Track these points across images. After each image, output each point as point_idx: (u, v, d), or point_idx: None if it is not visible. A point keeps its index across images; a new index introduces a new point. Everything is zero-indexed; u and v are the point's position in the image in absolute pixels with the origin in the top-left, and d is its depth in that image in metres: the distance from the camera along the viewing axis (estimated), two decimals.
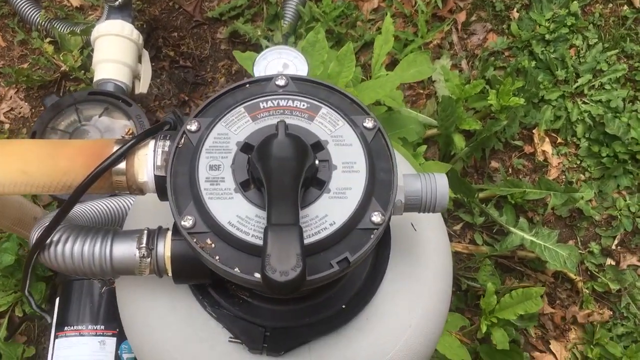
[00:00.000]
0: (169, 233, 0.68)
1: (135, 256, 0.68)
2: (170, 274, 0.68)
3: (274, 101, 0.65)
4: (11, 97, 1.64)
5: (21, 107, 1.62)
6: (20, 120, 1.62)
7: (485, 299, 1.27)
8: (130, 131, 0.70)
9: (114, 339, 1.14)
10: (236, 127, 0.64)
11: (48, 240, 0.69)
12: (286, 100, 0.65)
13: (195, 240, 0.60)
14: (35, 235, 0.73)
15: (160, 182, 0.65)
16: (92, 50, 1.35)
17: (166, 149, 0.66)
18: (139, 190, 0.68)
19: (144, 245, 0.68)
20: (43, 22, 1.66)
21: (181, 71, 1.68)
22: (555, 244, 1.37)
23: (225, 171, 0.61)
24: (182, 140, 0.64)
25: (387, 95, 1.04)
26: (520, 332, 1.40)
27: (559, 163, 1.59)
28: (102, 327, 1.14)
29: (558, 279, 1.48)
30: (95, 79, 1.31)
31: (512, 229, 1.41)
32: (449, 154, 1.48)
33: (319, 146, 0.63)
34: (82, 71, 1.53)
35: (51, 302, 1.39)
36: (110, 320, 1.14)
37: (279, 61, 0.74)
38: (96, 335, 1.13)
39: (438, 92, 1.59)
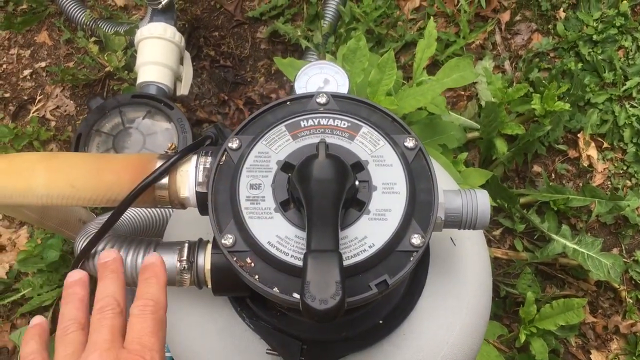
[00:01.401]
0: (209, 246, 0.69)
1: (176, 268, 0.69)
2: (210, 286, 0.69)
3: (314, 120, 0.65)
4: (57, 95, 1.68)
5: (66, 105, 1.66)
6: (66, 118, 1.66)
7: (525, 308, 1.25)
8: (173, 146, 0.71)
9: None
10: (277, 146, 0.64)
11: (92, 251, 0.71)
12: (327, 119, 0.65)
13: (235, 259, 0.60)
14: (80, 244, 0.75)
15: (201, 198, 0.66)
16: (136, 52, 1.37)
17: (208, 165, 0.66)
18: (181, 204, 0.69)
19: (184, 258, 0.69)
20: (88, 22, 1.69)
21: (221, 70, 1.69)
22: (599, 252, 1.34)
23: (266, 190, 0.62)
24: (224, 158, 0.65)
25: (429, 102, 1.03)
26: (560, 341, 1.38)
27: (604, 169, 1.54)
28: None
29: (601, 287, 1.44)
30: (138, 81, 1.33)
31: (553, 236, 1.38)
32: (490, 158, 1.46)
33: (359, 166, 0.63)
34: (126, 71, 1.56)
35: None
36: None
37: (320, 76, 0.74)
38: None
39: (480, 94, 1.56)
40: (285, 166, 0.63)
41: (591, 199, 1.38)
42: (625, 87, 1.61)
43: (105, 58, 1.57)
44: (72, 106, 1.67)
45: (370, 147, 0.64)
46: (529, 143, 1.43)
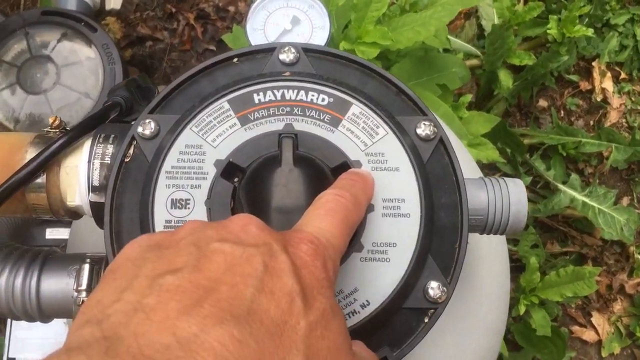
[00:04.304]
0: None
1: (71, 299, 0.48)
2: None
3: (276, 92, 0.41)
4: None
5: None
6: None
7: (527, 275, 1.07)
8: (57, 121, 0.46)
9: None
10: (215, 135, 0.40)
11: None
12: (296, 91, 0.41)
13: None
14: None
15: (99, 211, 0.42)
16: None
17: (107, 159, 0.42)
18: (70, 214, 0.46)
19: (83, 287, 0.47)
20: None
21: None
22: (612, 207, 1.15)
23: (197, 210, 0.39)
24: (131, 151, 0.41)
25: (431, 35, 0.78)
26: (559, 303, 1.22)
27: (620, 104, 1.32)
28: None
29: (607, 242, 1.27)
30: None
31: (560, 186, 1.18)
32: (491, 91, 1.22)
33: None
34: None
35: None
36: None
37: (285, 12, 0.48)
38: None
39: (480, 12, 1.30)
40: (229, 170, 0.39)
41: (608, 144, 1.17)
42: None
43: None
44: None
45: (364, 137, 0.40)
46: (538, 75, 1.20)
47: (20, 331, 0.96)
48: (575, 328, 1.23)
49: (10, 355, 0.97)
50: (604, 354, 1.22)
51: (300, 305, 0.27)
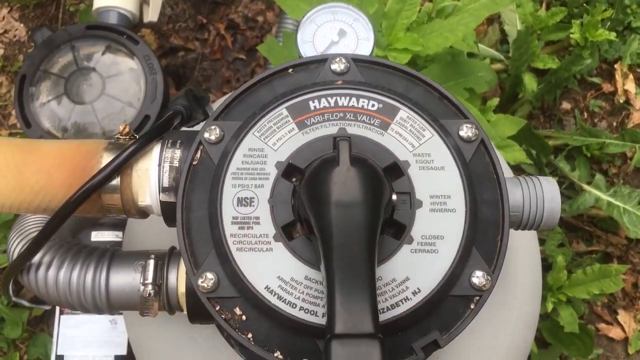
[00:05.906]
0: None
1: (138, 292, 0.52)
2: (185, 312, 0.52)
3: (330, 99, 0.45)
4: (4, 17, 1.41)
5: (16, 30, 1.40)
6: (16, 45, 1.41)
7: (554, 273, 1.09)
8: (126, 129, 0.50)
9: None
10: (276, 139, 0.44)
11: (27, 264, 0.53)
12: (348, 98, 0.45)
13: (218, 308, 0.42)
14: (14, 246, 0.57)
15: (168, 209, 0.46)
16: None
17: (176, 163, 0.46)
18: (140, 213, 0.50)
19: (149, 281, 0.51)
20: None
21: None
22: (637, 206, 1.17)
23: (261, 207, 0.43)
24: (199, 155, 0.45)
25: (459, 40, 0.82)
26: (585, 301, 1.24)
27: None
28: None
29: (632, 241, 1.29)
30: (94, 6, 1.08)
31: (585, 186, 1.20)
32: (515, 95, 1.25)
33: (396, 171, 0.43)
34: None
35: None
36: None
37: (332, 25, 0.52)
38: None
39: (503, 17, 1.33)
40: (289, 171, 0.43)
41: (631, 145, 1.19)
42: None
43: None
44: (23, 30, 1.41)
45: (411, 140, 0.44)
46: (561, 78, 1.22)
47: (68, 329, 1.01)
48: (602, 326, 1.25)
49: (59, 353, 1.01)
50: (630, 351, 1.24)
51: None
